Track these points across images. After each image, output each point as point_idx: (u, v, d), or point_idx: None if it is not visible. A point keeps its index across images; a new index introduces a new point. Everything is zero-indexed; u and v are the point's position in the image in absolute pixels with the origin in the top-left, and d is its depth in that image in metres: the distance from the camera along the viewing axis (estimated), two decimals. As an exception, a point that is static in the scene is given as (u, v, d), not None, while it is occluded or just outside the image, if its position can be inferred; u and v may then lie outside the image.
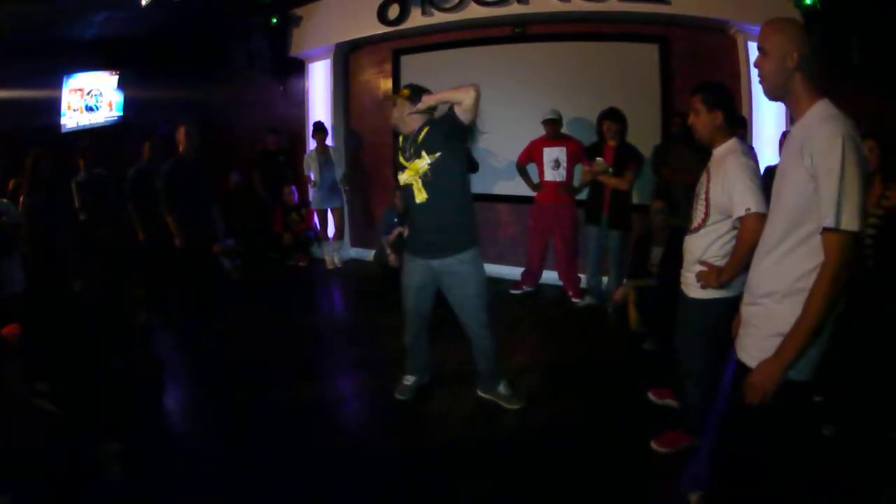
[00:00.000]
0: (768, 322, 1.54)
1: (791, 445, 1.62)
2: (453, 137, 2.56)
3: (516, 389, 2.99)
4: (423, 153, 2.58)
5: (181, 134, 4.15)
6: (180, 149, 4.14)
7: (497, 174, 5.28)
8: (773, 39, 1.53)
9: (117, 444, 2.29)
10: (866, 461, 2.22)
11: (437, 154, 2.56)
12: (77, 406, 2.54)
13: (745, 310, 1.65)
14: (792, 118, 1.57)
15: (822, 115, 1.43)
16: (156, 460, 2.52)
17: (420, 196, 2.61)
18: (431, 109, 2.62)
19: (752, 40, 4.26)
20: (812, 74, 1.49)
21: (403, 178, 2.67)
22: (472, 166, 4.85)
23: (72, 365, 3.18)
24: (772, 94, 1.58)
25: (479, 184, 5.01)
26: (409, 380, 3.04)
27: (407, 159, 2.65)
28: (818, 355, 1.51)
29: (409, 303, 2.86)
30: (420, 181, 2.60)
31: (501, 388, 2.96)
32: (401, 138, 2.73)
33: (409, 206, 2.80)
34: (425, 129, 2.60)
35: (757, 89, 4.04)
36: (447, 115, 2.54)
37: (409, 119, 2.64)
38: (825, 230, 1.38)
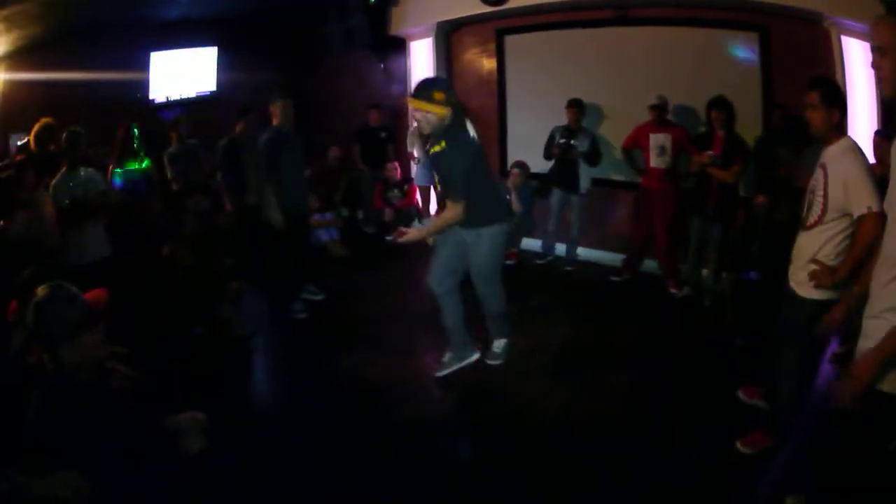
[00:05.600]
0: None
1: (864, 451, 1.63)
2: None
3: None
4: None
5: (277, 107, 4.08)
6: (275, 121, 4.11)
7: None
8: (890, 37, 1.44)
9: (201, 414, 2.04)
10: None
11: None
12: (156, 372, 2.32)
13: (866, 322, 1.61)
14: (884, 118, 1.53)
15: None
16: (235, 434, 2.43)
17: None
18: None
19: (846, 35, 4.24)
20: None
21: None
22: (595, 158, 4.96)
23: (154, 330, 3.20)
24: (894, 95, 1.49)
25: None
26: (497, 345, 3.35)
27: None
28: None
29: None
30: None
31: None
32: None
33: None
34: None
35: (852, 86, 4.34)
36: None
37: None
38: None
